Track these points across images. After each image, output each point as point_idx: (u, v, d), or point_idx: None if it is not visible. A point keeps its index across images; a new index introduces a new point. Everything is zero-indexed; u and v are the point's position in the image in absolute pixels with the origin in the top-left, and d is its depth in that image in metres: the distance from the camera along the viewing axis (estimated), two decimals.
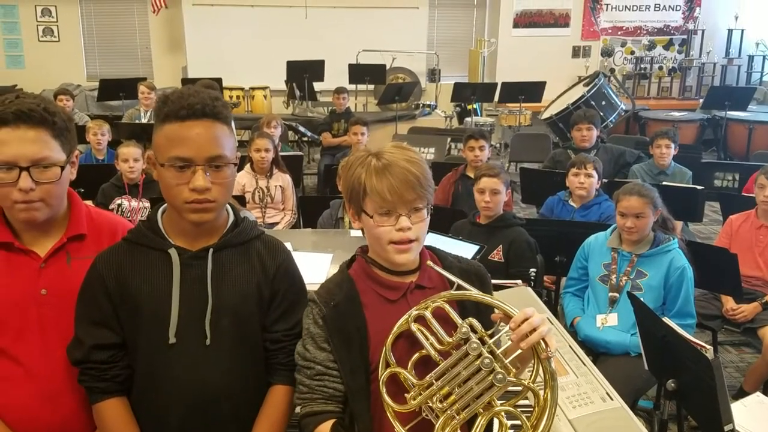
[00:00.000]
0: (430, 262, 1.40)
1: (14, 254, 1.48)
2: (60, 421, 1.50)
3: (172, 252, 1.42)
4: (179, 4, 8.98)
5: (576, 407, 1.78)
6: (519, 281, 2.58)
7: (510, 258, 3.04)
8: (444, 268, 1.41)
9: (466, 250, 2.61)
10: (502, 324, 1.29)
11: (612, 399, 1.84)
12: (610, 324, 2.79)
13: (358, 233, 3.28)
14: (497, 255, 3.03)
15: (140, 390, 1.46)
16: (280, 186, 4.44)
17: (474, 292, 1.32)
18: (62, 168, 1.45)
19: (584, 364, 2.06)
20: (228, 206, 1.50)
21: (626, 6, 9.88)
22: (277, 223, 4.39)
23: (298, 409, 1.42)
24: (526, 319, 1.23)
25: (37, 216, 1.45)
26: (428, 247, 1.47)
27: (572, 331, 2.90)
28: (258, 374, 1.51)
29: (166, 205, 1.47)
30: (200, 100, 1.35)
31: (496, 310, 1.30)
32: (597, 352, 2.79)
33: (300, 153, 6.30)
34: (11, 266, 1.48)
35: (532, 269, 2.98)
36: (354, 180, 1.36)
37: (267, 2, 9.03)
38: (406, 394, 1.30)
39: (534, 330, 1.22)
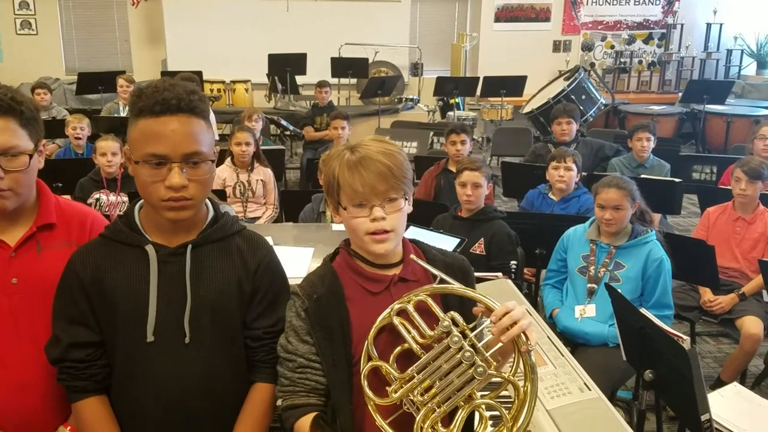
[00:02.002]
0: (413, 256, 1.40)
1: None
2: (30, 410, 1.49)
3: (149, 249, 1.40)
4: None
5: (554, 398, 1.80)
6: (500, 274, 2.60)
7: (491, 251, 3.06)
8: (427, 261, 1.41)
9: (447, 243, 2.63)
10: (484, 317, 1.30)
11: (590, 389, 1.86)
12: (589, 315, 2.82)
13: (340, 227, 3.24)
14: (479, 248, 3.05)
15: (119, 388, 1.44)
16: (262, 180, 4.42)
17: (456, 286, 1.33)
18: (30, 156, 1.44)
19: (562, 355, 2.08)
20: (207, 201, 1.48)
21: (606, 0, 9.95)
22: (258, 218, 4.38)
23: (279, 402, 1.42)
24: (507, 313, 1.23)
25: (7, 205, 1.44)
26: (412, 241, 1.47)
27: (551, 322, 2.93)
28: (239, 372, 1.49)
29: (142, 200, 1.44)
30: (175, 95, 1.32)
31: (478, 304, 1.30)
32: (575, 343, 2.82)
33: (282, 147, 6.28)
34: None
35: (512, 262, 3.00)
36: (330, 174, 1.36)
37: None
38: (387, 388, 1.31)
39: (515, 323, 1.22)
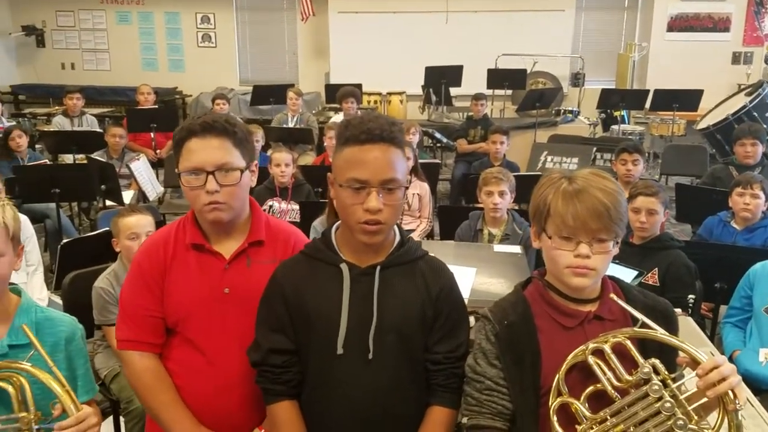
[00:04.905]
0: (613, 295, 1.37)
1: (204, 255, 1.65)
2: (231, 410, 1.63)
3: (344, 267, 1.49)
4: (326, 12, 9.35)
5: None
6: (678, 310, 2.43)
7: (666, 283, 2.87)
8: (627, 301, 1.36)
9: (624, 274, 2.49)
10: (687, 368, 1.25)
11: None
12: None
13: (502, 248, 3.25)
14: (652, 278, 2.88)
15: (308, 396, 1.54)
16: (418, 194, 4.47)
17: (660, 333, 1.28)
18: (242, 172, 1.59)
19: (752, 405, 1.92)
20: (395, 226, 1.54)
21: None
22: (413, 230, 4.44)
23: (464, 420, 1.44)
24: (716, 368, 1.18)
25: (223, 216, 1.59)
26: (611, 278, 1.43)
27: (732, 364, 2.70)
28: (418, 392, 1.54)
29: (339, 222, 1.54)
30: (378, 126, 1.42)
31: (681, 353, 1.25)
32: (759, 388, 2.57)
33: (437, 161, 6.33)
34: (202, 266, 1.64)
35: (690, 296, 2.80)
36: (541, 200, 1.37)
37: (408, 8, 9.18)
38: (577, 426, 1.29)
39: (723, 380, 1.17)
